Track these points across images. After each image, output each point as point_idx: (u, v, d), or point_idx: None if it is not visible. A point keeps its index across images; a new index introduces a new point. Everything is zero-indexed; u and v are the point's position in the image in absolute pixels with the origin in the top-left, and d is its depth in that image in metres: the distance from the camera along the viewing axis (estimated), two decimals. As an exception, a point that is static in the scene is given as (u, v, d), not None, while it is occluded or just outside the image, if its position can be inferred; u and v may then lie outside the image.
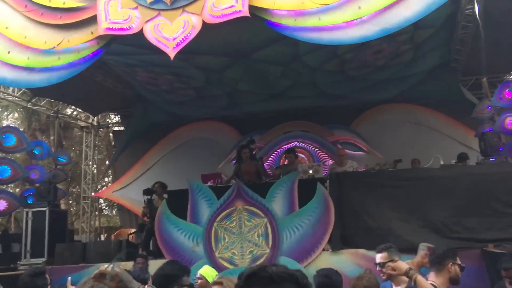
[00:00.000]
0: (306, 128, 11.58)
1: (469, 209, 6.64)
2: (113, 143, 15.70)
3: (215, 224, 7.28)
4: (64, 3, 6.29)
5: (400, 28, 5.55)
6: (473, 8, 7.05)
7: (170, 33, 5.90)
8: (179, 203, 7.62)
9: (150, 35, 5.98)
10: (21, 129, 13.16)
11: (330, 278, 3.30)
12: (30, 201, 8.86)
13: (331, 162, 10.33)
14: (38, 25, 6.38)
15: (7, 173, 8.70)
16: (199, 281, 4.24)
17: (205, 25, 5.97)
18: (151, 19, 6.07)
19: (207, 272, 4.15)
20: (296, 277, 1.43)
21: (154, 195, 8.46)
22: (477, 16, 6.68)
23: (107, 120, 14.56)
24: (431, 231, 6.66)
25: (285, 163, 9.41)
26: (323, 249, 6.95)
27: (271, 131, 11.65)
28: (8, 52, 6.21)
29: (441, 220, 6.71)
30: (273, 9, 5.74)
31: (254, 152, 9.79)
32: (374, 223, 6.92)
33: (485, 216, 6.55)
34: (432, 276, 3.22)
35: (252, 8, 5.74)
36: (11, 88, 10.37)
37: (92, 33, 6.22)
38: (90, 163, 13.37)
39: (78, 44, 6.24)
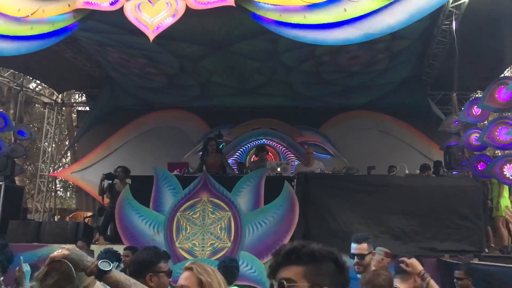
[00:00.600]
0: (275, 126, 11.62)
1: (428, 218, 6.84)
2: (75, 123, 15.21)
3: (178, 213, 7.18)
4: (41, -29, 6.01)
5: (383, 34, 5.63)
6: (450, 24, 7.23)
7: (152, 14, 5.74)
8: (143, 189, 7.46)
9: (131, 15, 5.80)
10: (-21, 100, 12.57)
11: None
12: (-16, 174, 8.45)
13: (297, 162, 10.41)
14: (12, -9, 6.08)
15: (-38, 143, 8.27)
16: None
17: (188, 10, 5.84)
18: (133, -3, 5.89)
19: None
20: (336, 256, 1.40)
21: (116, 179, 8.25)
22: (454, 32, 6.86)
23: (72, 99, 14.10)
24: (391, 237, 6.81)
25: (255, 159, 9.40)
26: (285, 247, 6.95)
27: (240, 126, 11.61)
28: (-23, 16, 5.89)
29: (401, 227, 6.87)
30: (259, 2, 5.69)
31: (222, 146, 9.75)
32: (337, 225, 7.00)
33: (443, 226, 6.77)
34: (397, 282, 3.24)
35: (238, -2, 5.68)
36: (-28, 55, 9.85)
37: (69, 5, 5.97)
38: (50, 141, 12.90)
39: (53, 15, 5.97)
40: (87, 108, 13.25)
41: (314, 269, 1.36)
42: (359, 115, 11.46)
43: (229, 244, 7.02)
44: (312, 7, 5.49)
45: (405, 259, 3.15)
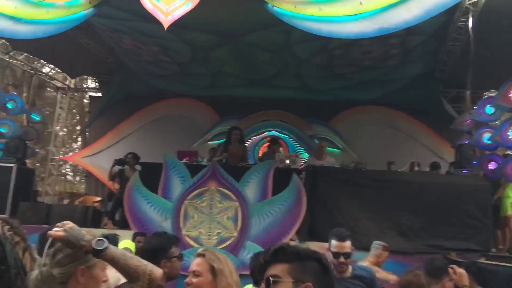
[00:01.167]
0: (285, 118, 11.62)
1: (436, 216, 6.81)
2: (86, 108, 15.33)
3: (186, 201, 7.21)
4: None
5: (398, 29, 5.60)
6: (466, 21, 7.16)
7: (167, 2, 5.75)
8: (152, 176, 7.50)
9: (146, 2, 5.82)
10: (-7, 82, 12.70)
11: None
12: (-3, 156, 8.56)
13: (306, 155, 10.42)
14: (29, -26, 6.12)
15: (-24, 124, 8.37)
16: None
17: (203, -1, 5.85)
18: (149, -15, 5.90)
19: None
20: (319, 256, 1.51)
21: (125, 165, 8.32)
22: (470, 30, 6.79)
23: (84, 84, 14.19)
24: (398, 233, 6.80)
25: (265, 151, 9.40)
26: (290, 239, 6.98)
27: (250, 117, 11.63)
28: (-6, -2, 5.95)
29: (408, 224, 6.85)
30: (275, -7, 5.68)
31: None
32: (343, 220, 6.98)
33: (451, 225, 6.74)
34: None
35: (253, -12, 5.67)
36: (-11, 38, 9.96)
37: (85, -10, 6.01)
38: (62, 125, 13.02)
39: (70, 0, 6.01)
40: (99, 94, 13.33)
41: (298, 266, 1.47)
42: (369, 110, 11.41)
43: (235, 234, 7.06)
44: (328, -1, 5.47)
45: (455, 267, 3.07)
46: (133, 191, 7.44)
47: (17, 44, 9.47)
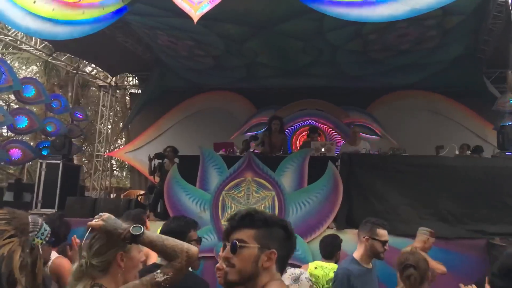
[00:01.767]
0: (321, 107, 11.53)
1: (479, 200, 6.60)
2: (128, 105, 15.79)
3: (223, 192, 7.35)
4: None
5: (430, 10, 5.41)
6: (507, -3, 6.85)
7: (196, -4, 5.83)
8: (190, 168, 7.68)
9: (176, -3, 5.91)
10: (40, 83, 13.27)
11: None
12: (44, 153, 9.00)
13: (343, 143, 10.31)
14: (64, -23, 6.36)
15: (24, 123, 8.83)
16: None
17: (231, -9, 5.89)
18: (177, -20, 5.99)
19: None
20: (285, 224, 1.57)
21: (165, 159, 8.54)
22: (510, 6, 6.49)
23: (125, 82, 14.62)
24: (439, 219, 6.64)
25: (305, 140, 9.39)
26: (328, 227, 6.98)
27: (287, 107, 11.60)
28: (34, 2, 6.20)
29: (450, 209, 6.68)
30: (302, -20, 5.64)
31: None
32: (381, 207, 6.90)
33: (494, 209, 6.51)
34: None
35: (280, -23, 5.65)
36: (33, 41, 10.42)
37: (117, -11, 6.19)
38: (105, 122, 13.49)
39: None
40: (139, 91, 13.69)
41: (265, 233, 1.52)
42: (409, 95, 11.12)
43: (273, 223, 7.12)
44: (356, -18, 5.38)
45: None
46: (172, 183, 7.66)
47: (58, 45, 9.87)
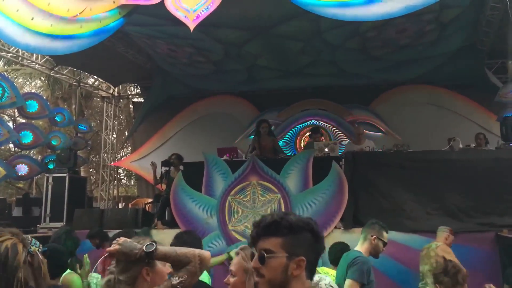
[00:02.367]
0: (324, 106, 11.51)
1: (485, 193, 6.58)
2: (132, 114, 15.87)
3: (229, 197, 7.37)
4: (87, -29, 6.30)
5: (425, 5, 5.42)
6: (503, -12, 6.83)
7: (191, 4, 5.87)
8: (195, 175, 7.71)
9: (171, 6, 5.96)
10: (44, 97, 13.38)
11: None
12: (51, 167, 9.08)
13: (347, 141, 10.30)
14: (61, -8, 6.42)
15: (29, 139, 8.91)
16: None
17: (226, -3, 5.92)
18: (172, -11, 6.04)
19: None
20: (312, 226, 1.53)
21: (171, 166, 8.58)
22: (506, -4, 6.48)
23: (128, 91, 14.70)
24: (446, 214, 6.62)
25: (308, 140, 9.42)
26: (335, 227, 6.99)
27: (289, 108, 11.61)
28: (32, 19, 6.26)
29: (456, 203, 6.66)
30: (296, -17, 5.66)
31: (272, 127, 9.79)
32: (388, 204, 6.90)
33: (501, 201, 6.49)
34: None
35: (274, -19, 5.67)
36: (34, 56, 10.52)
37: (114, 2, 6.23)
38: (110, 132, 13.57)
39: (100, 13, 6.26)
40: (142, 100, 13.76)
41: (292, 240, 1.48)
42: (411, 90, 11.08)
43: (280, 225, 7.12)
44: (350, -18, 5.39)
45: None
46: (178, 191, 7.69)
47: (59, 59, 9.95)
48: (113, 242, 1.95)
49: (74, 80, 12.54)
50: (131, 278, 1.93)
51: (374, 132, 10.95)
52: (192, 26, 5.83)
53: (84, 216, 7.86)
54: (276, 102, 11.70)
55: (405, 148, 7.54)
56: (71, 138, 10.09)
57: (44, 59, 10.83)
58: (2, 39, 7.87)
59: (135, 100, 14.69)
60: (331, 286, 3.29)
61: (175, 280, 1.86)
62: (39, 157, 13.47)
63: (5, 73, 12.74)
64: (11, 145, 15.64)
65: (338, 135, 11.25)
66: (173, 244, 2.85)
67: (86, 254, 3.90)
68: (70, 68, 11.87)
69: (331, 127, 11.38)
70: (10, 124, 15.81)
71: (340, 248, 4.57)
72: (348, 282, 3.37)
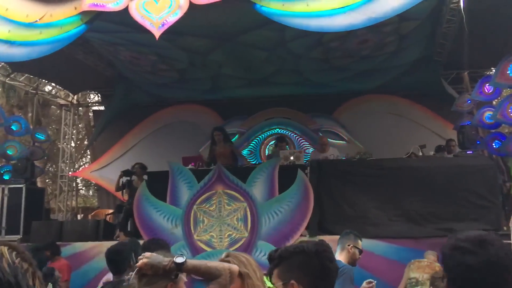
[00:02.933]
0: (288, 115, 11.62)
1: (444, 199, 6.80)
2: (92, 123, 15.47)
3: (195, 207, 7.29)
4: (47, -24, 6.12)
5: (387, 18, 5.58)
6: (458, 2, 7.12)
7: (156, 12, 5.80)
8: (159, 184, 7.59)
9: (136, 13, 5.87)
10: (-2, 105, 12.86)
11: None
12: (6, 178, 8.69)
13: (311, 149, 10.42)
14: (20, -3, 6.20)
15: (-17, 149, 8.51)
16: None
17: (191, 5, 5.89)
18: (137, -4, 5.95)
19: None
20: (302, 248, 1.58)
21: (133, 176, 8.40)
22: (462, 10, 6.76)
23: (87, 99, 14.32)
24: (407, 220, 6.81)
25: (273, 149, 9.48)
26: (301, 235, 7.03)
27: (253, 117, 11.66)
28: (-12, 24, 6.03)
29: (417, 209, 6.86)
30: (262, -7, 5.70)
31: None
32: (352, 211, 7.03)
33: (460, 207, 6.73)
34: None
35: (240, -10, 5.70)
36: (-12, 62, 10.11)
37: (75, 8, 6.07)
38: (68, 142, 13.17)
39: (61, 19, 6.08)
40: (103, 108, 13.44)
41: (283, 267, 1.57)
42: (372, 99, 11.36)
43: (246, 234, 7.11)
44: (315, -6, 5.48)
45: None
46: (142, 200, 7.54)
47: (16, 66, 9.61)
48: (139, 257, 1.93)
49: (31, 88, 12.11)
50: None
51: (337, 140, 11.13)
52: (157, 34, 5.77)
53: (42, 229, 7.57)
54: (240, 110, 11.72)
55: (368, 156, 7.72)
56: (28, 147, 9.69)
57: (0, 65, 10.42)
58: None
59: (95, 108, 14.34)
60: None
61: None
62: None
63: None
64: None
65: (302, 143, 11.36)
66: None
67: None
68: (26, 75, 11.47)
69: (295, 135, 11.49)
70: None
71: None
72: None
